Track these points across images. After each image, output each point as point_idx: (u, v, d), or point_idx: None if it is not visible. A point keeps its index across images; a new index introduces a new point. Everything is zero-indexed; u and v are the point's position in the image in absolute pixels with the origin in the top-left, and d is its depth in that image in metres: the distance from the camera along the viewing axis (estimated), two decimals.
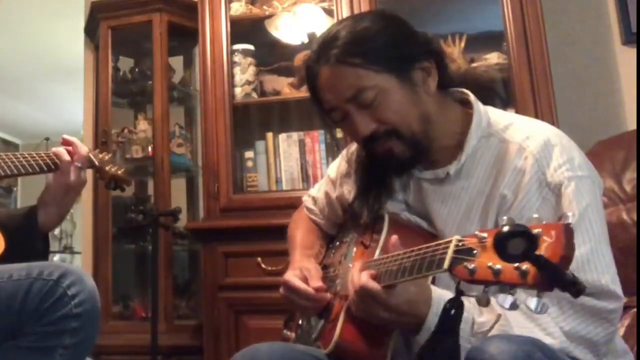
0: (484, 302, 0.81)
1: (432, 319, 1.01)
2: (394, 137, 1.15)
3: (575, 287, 0.74)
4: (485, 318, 1.02)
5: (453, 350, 1.02)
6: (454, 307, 0.88)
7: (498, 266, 0.77)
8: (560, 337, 1.00)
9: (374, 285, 1.02)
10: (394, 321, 1.05)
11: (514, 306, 0.77)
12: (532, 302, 0.76)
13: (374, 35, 1.16)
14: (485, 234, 0.81)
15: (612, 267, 1.06)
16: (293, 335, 1.36)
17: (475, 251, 0.82)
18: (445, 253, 0.87)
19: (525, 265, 0.74)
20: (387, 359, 1.10)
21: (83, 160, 1.53)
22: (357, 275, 1.05)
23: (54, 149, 1.52)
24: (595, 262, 1.04)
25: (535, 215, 0.78)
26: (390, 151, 1.16)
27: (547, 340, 0.99)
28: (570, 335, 1.01)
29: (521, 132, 1.16)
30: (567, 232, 0.74)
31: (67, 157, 1.50)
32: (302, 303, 1.24)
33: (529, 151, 1.12)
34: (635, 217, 1.66)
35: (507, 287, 0.77)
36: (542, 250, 0.73)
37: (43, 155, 1.50)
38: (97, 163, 1.67)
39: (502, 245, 0.73)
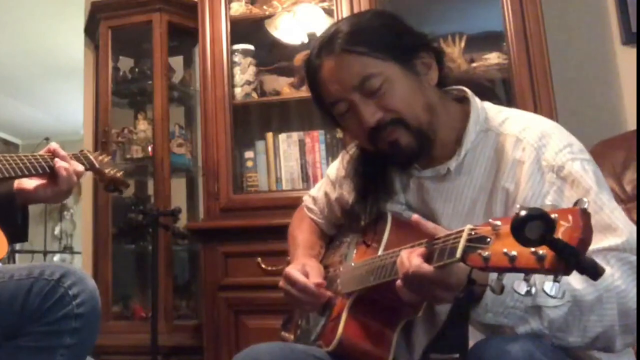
0: (498, 290, 0.81)
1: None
2: (401, 127, 1.14)
3: (595, 270, 0.73)
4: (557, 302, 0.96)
5: (462, 337, 1.01)
6: (465, 297, 0.87)
7: (514, 252, 0.76)
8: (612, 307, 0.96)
9: (425, 267, 0.94)
10: (450, 299, 0.97)
11: (529, 292, 0.76)
12: (548, 286, 0.75)
13: (375, 26, 1.17)
14: (499, 222, 0.81)
15: None
16: (291, 337, 1.37)
17: (489, 239, 0.81)
18: (458, 242, 0.87)
19: (542, 250, 0.73)
20: (390, 356, 1.10)
21: (79, 177, 1.55)
22: (407, 261, 0.97)
23: (57, 161, 1.51)
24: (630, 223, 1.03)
25: (549, 203, 0.77)
26: (396, 142, 1.15)
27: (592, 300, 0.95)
28: (624, 295, 0.97)
29: (518, 124, 1.17)
30: (585, 216, 0.74)
31: (65, 173, 1.50)
32: (300, 297, 1.24)
33: (526, 142, 1.12)
34: (635, 217, 1.66)
35: (523, 272, 0.77)
36: (560, 234, 0.73)
37: (38, 157, 1.50)
38: (97, 165, 1.67)
39: (520, 229, 0.72)
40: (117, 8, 3.03)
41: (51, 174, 1.49)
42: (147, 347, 2.38)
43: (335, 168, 1.45)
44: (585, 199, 0.76)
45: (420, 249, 0.97)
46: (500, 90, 2.48)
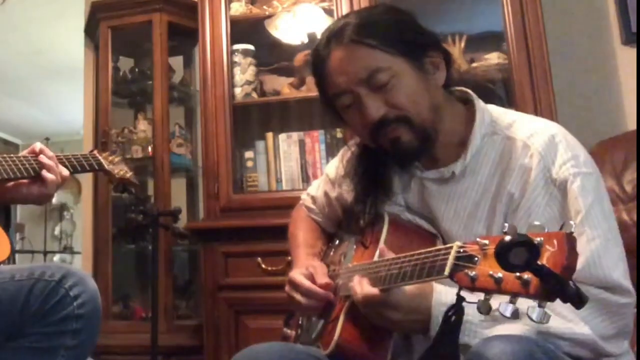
0: (484, 310, 0.81)
1: (438, 310, 1.01)
2: (404, 124, 1.14)
3: (578, 298, 0.73)
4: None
5: (453, 355, 1.01)
6: (455, 314, 0.87)
7: (499, 275, 0.77)
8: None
9: (373, 290, 1.04)
10: (403, 320, 1.04)
11: (515, 315, 0.76)
12: (534, 312, 0.75)
13: (387, 21, 1.17)
14: (486, 241, 0.81)
15: (623, 262, 1.06)
16: (293, 333, 1.36)
17: (476, 258, 0.81)
18: (446, 259, 0.87)
19: (527, 275, 0.74)
20: (387, 359, 1.10)
21: (64, 180, 1.50)
22: (359, 286, 1.07)
23: (43, 160, 1.46)
24: (606, 257, 1.03)
25: (537, 223, 0.77)
26: (398, 140, 1.15)
27: (585, 329, 0.98)
28: (596, 330, 1.00)
29: (525, 129, 1.16)
30: (570, 241, 0.73)
31: (52, 176, 1.46)
32: (306, 301, 1.23)
33: (534, 148, 1.12)
34: (635, 217, 1.66)
35: (508, 295, 0.77)
36: (544, 259, 0.73)
37: (24, 159, 1.45)
38: (105, 166, 1.67)
39: (504, 255, 0.72)
40: (117, 8, 3.03)
41: (36, 176, 1.45)
42: (147, 347, 2.38)
43: (335, 167, 1.44)
44: (572, 222, 0.75)
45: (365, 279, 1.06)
46: (500, 90, 2.48)
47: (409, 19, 1.19)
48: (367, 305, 1.06)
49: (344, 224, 1.40)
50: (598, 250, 1.03)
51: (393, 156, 1.21)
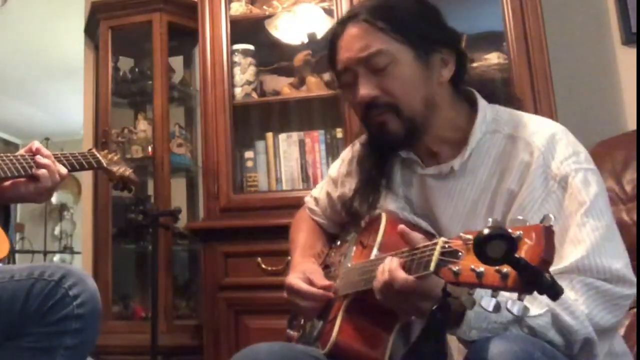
0: (469, 305, 0.82)
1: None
2: (391, 112, 1.15)
3: (553, 290, 0.74)
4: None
5: (438, 351, 1.02)
6: (440, 310, 0.88)
7: (481, 269, 0.78)
8: (584, 319, 0.99)
9: (403, 275, 0.95)
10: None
11: (497, 308, 0.77)
12: (515, 306, 0.76)
13: (403, 8, 1.18)
14: (470, 236, 0.82)
15: (625, 254, 1.06)
16: (296, 334, 1.36)
17: (460, 253, 0.83)
18: (432, 255, 0.87)
19: (505, 268, 0.74)
20: (386, 358, 1.10)
21: (62, 179, 1.49)
22: (388, 266, 0.99)
23: (41, 161, 1.46)
24: (607, 247, 1.04)
25: (520, 217, 0.77)
26: (384, 125, 1.16)
27: (570, 319, 0.98)
28: (591, 317, 1.00)
29: (527, 128, 1.17)
30: (548, 234, 0.74)
31: (47, 175, 1.45)
32: (306, 305, 1.24)
33: (535, 146, 1.12)
34: (635, 217, 1.66)
35: (489, 289, 0.78)
36: (522, 252, 0.73)
37: (20, 158, 1.44)
38: (104, 164, 1.66)
39: (481, 248, 0.73)
40: (117, 8, 3.03)
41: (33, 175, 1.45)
42: (147, 347, 2.38)
43: (337, 166, 1.45)
44: (551, 215, 0.76)
45: (399, 260, 0.98)
46: (500, 91, 2.48)
47: (430, 12, 1.20)
48: (395, 290, 0.97)
49: (348, 223, 1.40)
50: (598, 240, 1.03)
51: (378, 141, 1.23)
